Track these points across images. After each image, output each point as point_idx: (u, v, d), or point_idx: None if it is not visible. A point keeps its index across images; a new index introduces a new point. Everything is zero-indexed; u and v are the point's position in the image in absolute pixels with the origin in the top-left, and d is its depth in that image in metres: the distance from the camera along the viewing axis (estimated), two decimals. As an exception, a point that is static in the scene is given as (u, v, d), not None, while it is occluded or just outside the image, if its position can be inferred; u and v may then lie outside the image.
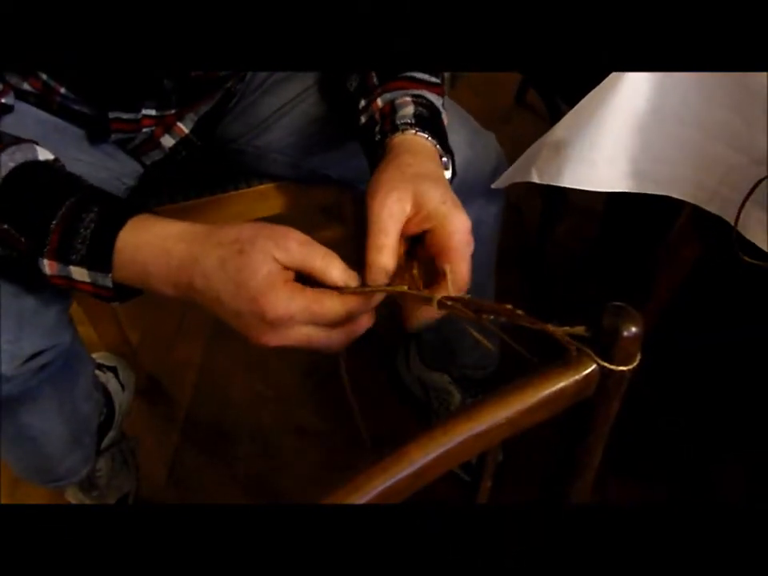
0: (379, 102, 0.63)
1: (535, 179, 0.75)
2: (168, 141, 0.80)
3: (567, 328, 0.43)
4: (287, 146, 0.86)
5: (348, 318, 0.47)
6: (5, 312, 0.59)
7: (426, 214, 0.49)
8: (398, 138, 0.57)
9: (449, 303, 0.45)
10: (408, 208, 0.49)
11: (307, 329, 0.46)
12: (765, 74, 0.87)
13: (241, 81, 0.83)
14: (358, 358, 1.24)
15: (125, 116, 0.73)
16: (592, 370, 0.43)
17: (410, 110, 0.60)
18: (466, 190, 0.56)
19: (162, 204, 0.91)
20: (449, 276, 0.48)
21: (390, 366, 1.28)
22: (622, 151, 0.74)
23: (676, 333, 1.13)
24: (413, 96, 0.62)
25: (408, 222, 0.50)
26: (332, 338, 0.47)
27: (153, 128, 0.77)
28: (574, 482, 0.52)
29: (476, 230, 0.51)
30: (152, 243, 0.48)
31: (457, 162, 0.62)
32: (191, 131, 0.81)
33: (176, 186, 0.92)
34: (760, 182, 0.68)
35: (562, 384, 0.43)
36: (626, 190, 0.76)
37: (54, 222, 0.50)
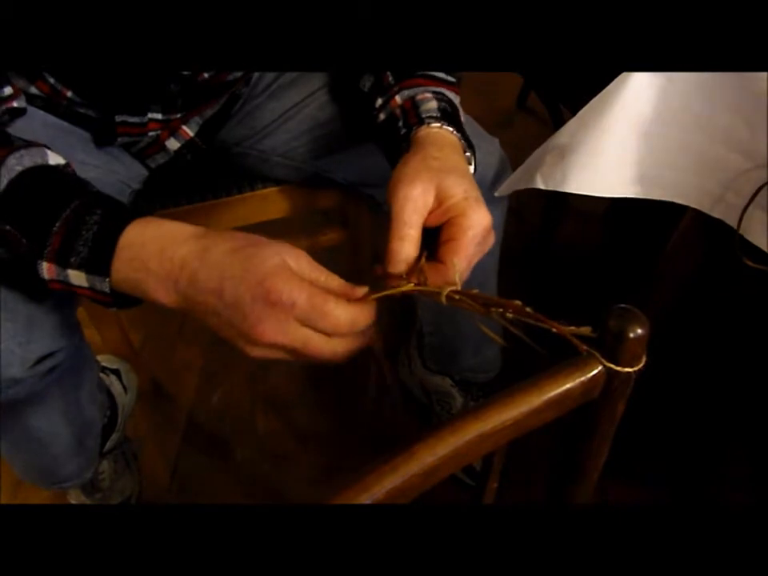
0: (398, 98, 0.63)
1: (540, 185, 0.76)
2: (173, 144, 0.80)
3: (573, 328, 0.44)
4: (291, 149, 0.86)
5: (349, 329, 0.46)
6: (16, 314, 0.60)
7: (448, 206, 0.50)
8: (424, 130, 0.57)
9: (457, 297, 0.46)
10: (431, 201, 0.49)
11: (305, 330, 0.44)
12: (766, 78, 0.87)
13: (246, 85, 0.84)
14: (358, 360, 1.24)
15: (131, 119, 0.73)
16: (598, 372, 0.44)
17: (433, 104, 0.60)
18: None
19: (165, 208, 0.92)
20: (457, 269, 0.48)
21: (391, 370, 1.28)
22: (626, 157, 0.74)
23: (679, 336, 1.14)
24: (433, 93, 0.62)
25: (430, 213, 0.50)
26: (329, 346, 0.45)
27: (158, 131, 0.78)
28: (579, 482, 0.52)
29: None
30: (160, 237, 0.48)
31: None
32: (196, 134, 0.81)
33: (180, 190, 0.92)
34: (763, 186, 0.69)
35: (568, 385, 0.43)
36: (631, 196, 0.77)
37: (57, 224, 0.50)
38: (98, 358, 1.16)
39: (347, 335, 0.46)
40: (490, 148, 0.84)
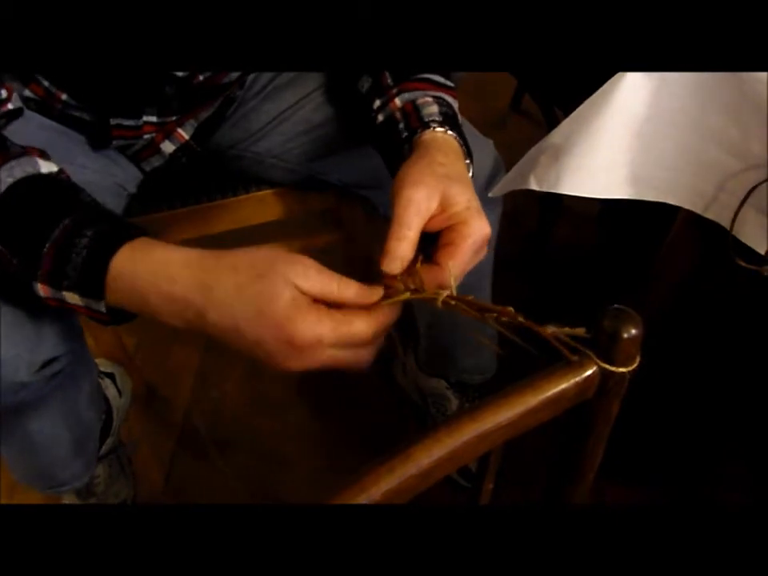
0: (398, 101, 0.63)
1: (534, 186, 0.76)
2: (168, 147, 0.80)
3: (567, 329, 0.44)
4: (286, 151, 0.86)
5: (373, 339, 0.46)
6: (24, 319, 0.59)
7: (451, 214, 0.50)
8: (429, 135, 0.57)
9: (452, 302, 0.46)
10: (434, 206, 0.50)
11: (334, 350, 0.45)
12: (759, 79, 0.88)
13: (241, 87, 0.84)
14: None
15: (126, 123, 0.73)
16: (592, 372, 0.44)
17: (435, 108, 0.60)
18: None
19: (160, 211, 0.91)
20: (452, 274, 0.48)
21: (387, 372, 1.28)
22: (619, 158, 0.75)
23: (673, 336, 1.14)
24: (433, 97, 0.62)
25: (431, 218, 0.50)
26: (356, 357, 0.46)
27: (153, 134, 0.78)
28: (575, 483, 0.53)
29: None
30: (152, 271, 0.45)
31: None
32: (191, 137, 0.81)
33: (175, 193, 0.92)
34: (756, 186, 0.69)
35: (563, 385, 0.43)
36: (624, 197, 0.77)
37: (46, 246, 0.49)
38: (93, 361, 1.16)
39: (372, 344, 0.46)
40: (485, 149, 0.85)
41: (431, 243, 0.51)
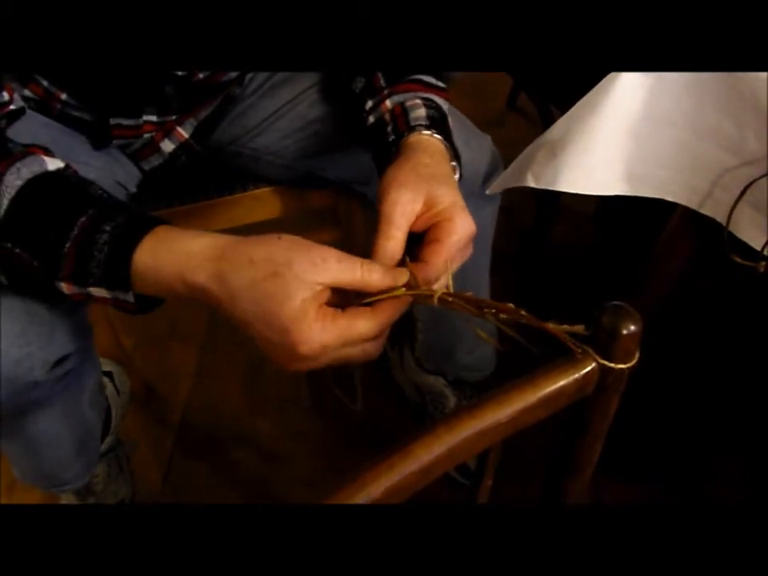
0: (388, 103, 0.64)
1: (531, 184, 0.76)
2: (168, 146, 0.80)
3: (567, 326, 0.44)
4: (282, 148, 0.86)
5: (377, 335, 0.47)
6: (36, 317, 0.59)
7: (436, 212, 0.51)
8: (414, 137, 0.58)
9: (450, 300, 0.46)
10: (419, 206, 0.51)
11: (340, 351, 0.46)
12: (754, 77, 0.88)
13: (240, 85, 0.84)
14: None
15: (126, 122, 0.73)
16: (592, 369, 0.44)
17: (422, 111, 0.61)
18: (461, 191, 0.57)
19: (159, 210, 0.91)
20: (449, 272, 0.49)
21: (385, 369, 1.28)
22: (616, 155, 0.75)
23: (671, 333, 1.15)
24: (423, 99, 0.63)
25: (417, 218, 0.51)
26: (363, 353, 0.47)
27: (153, 133, 0.78)
28: (573, 479, 0.53)
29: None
30: (174, 263, 0.46)
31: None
32: (191, 136, 0.81)
33: (174, 192, 0.92)
34: (752, 183, 0.69)
35: (562, 382, 0.43)
36: (621, 194, 0.77)
37: (66, 246, 0.49)
38: (91, 360, 1.16)
39: (377, 339, 0.47)
40: (483, 145, 0.85)
41: (416, 243, 0.52)
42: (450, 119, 0.65)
